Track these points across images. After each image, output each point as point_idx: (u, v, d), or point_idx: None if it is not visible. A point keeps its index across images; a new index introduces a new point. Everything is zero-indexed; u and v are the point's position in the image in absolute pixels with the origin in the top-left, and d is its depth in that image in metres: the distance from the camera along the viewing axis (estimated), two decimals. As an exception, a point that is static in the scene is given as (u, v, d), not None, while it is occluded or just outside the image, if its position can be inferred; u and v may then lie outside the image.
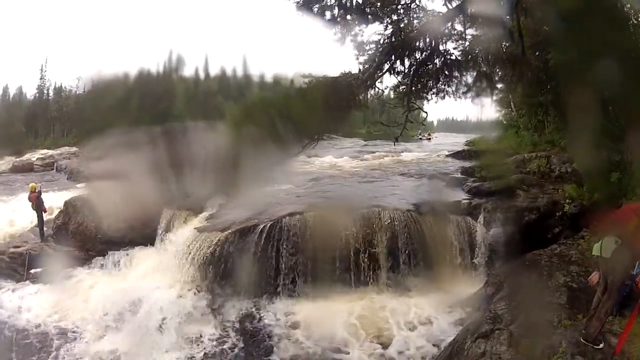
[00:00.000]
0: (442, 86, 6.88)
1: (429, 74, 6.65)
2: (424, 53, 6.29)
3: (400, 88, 7.15)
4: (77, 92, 31.19)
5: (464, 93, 6.96)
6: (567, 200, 9.85)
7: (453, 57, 6.56)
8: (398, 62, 6.24)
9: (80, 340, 8.22)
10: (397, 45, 6.07)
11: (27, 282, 10.15)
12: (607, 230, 4.91)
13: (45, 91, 35.46)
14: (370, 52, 6.40)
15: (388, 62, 6.18)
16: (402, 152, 22.23)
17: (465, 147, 20.20)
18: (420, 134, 35.93)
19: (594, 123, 7.57)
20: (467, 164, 14.96)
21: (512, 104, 16.54)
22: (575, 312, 5.76)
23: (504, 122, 18.16)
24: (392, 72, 6.39)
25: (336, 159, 20.18)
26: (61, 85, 35.94)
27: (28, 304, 9.23)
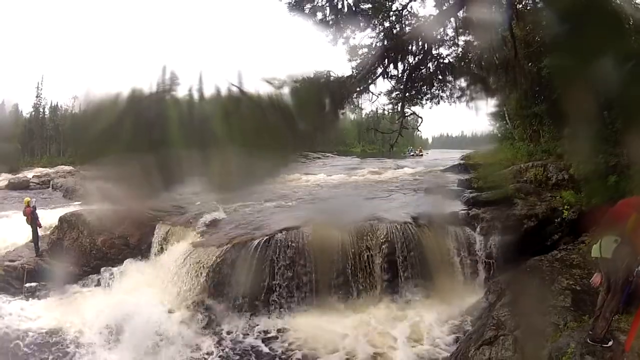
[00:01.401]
0: (437, 91, 6.90)
1: (422, 78, 6.66)
2: (417, 57, 6.30)
3: (394, 94, 7.16)
4: (73, 112, 31.33)
5: (459, 97, 6.97)
6: (566, 207, 9.81)
7: (446, 61, 6.59)
8: (391, 65, 6.24)
9: (74, 356, 7.99)
10: (390, 49, 6.09)
11: (22, 296, 10.00)
12: (605, 229, 4.84)
13: (42, 109, 35.74)
14: (362, 56, 6.43)
15: (381, 66, 6.19)
16: (397, 168, 22.29)
17: (461, 162, 20.21)
18: (410, 150, 35.96)
19: (590, 127, 7.60)
20: (463, 176, 14.93)
21: (506, 115, 16.67)
22: (580, 314, 5.67)
23: (499, 134, 18.28)
24: (385, 76, 6.40)
25: (331, 176, 20.13)
26: (57, 104, 36.25)
27: (22, 318, 9.05)
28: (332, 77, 5.27)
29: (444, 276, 9.40)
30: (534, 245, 9.20)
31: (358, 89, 5.97)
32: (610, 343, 4.77)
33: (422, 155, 35.20)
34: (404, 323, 8.61)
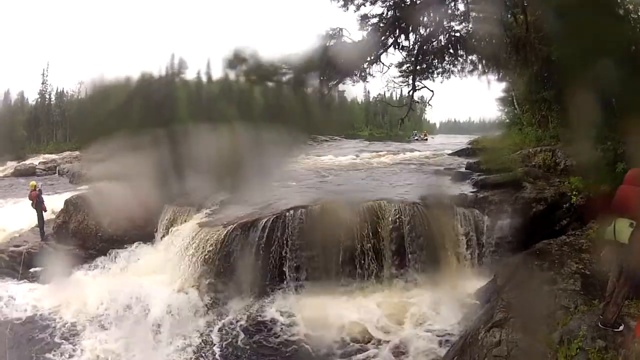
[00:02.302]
0: (448, 65, 6.77)
1: (433, 52, 6.53)
2: (429, 29, 6.16)
3: (405, 66, 7.02)
4: (79, 97, 31.16)
5: (470, 72, 6.84)
6: (574, 192, 9.69)
7: (458, 35, 6.43)
8: (402, 36, 6.11)
9: (79, 336, 8.05)
10: (401, 18, 5.93)
11: (26, 280, 10.08)
12: (617, 212, 4.70)
13: (47, 96, 35.61)
14: (373, 25, 6.28)
15: (392, 37, 6.06)
16: (405, 151, 22.13)
17: (469, 146, 19.99)
18: (414, 135, 35.42)
19: (597, 116, 7.49)
20: (471, 160, 14.80)
21: (514, 101, 16.47)
22: (590, 298, 5.59)
23: (507, 120, 18.10)
24: (396, 46, 6.27)
25: (339, 158, 20.01)
26: (63, 90, 36.08)
27: (26, 301, 9.11)
28: (344, 37, 5.16)
29: (452, 258, 9.36)
30: (543, 229, 9.11)
31: (369, 58, 5.86)
32: (621, 328, 4.71)
33: (426, 139, 34.50)
34: (411, 305, 8.60)
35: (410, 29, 6.01)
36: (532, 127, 14.91)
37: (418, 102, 7.78)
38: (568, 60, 7.55)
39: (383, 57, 6.38)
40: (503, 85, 17.16)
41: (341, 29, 5.17)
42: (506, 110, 18.18)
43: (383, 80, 7.20)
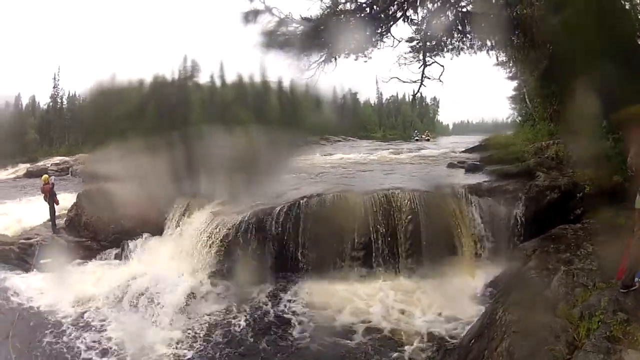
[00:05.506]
0: (457, 42, 6.78)
1: (442, 28, 6.54)
2: (436, 3, 6.19)
3: (415, 42, 7.04)
4: (93, 98, 31.47)
5: (479, 48, 6.85)
6: (587, 182, 9.57)
7: (465, 10, 6.45)
8: (411, 10, 6.14)
9: (88, 324, 8.05)
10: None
11: (37, 271, 10.13)
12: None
13: (59, 100, 35.95)
14: None
15: (401, 10, 6.09)
16: (418, 149, 22.11)
17: (482, 143, 19.87)
18: (416, 134, 33.95)
19: (603, 112, 7.41)
20: (485, 154, 14.77)
21: (526, 97, 16.43)
22: (608, 277, 5.49)
23: (519, 117, 18.06)
24: (405, 20, 6.30)
25: (352, 155, 20.07)
26: (74, 94, 36.41)
27: (36, 290, 9.15)
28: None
29: (468, 246, 9.21)
30: (558, 218, 8.94)
31: (379, 30, 5.90)
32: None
33: (429, 139, 32.46)
34: (426, 292, 8.53)
35: (419, 2, 6.05)
36: (544, 122, 14.81)
37: (429, 78, 7.77)
38: (568, 57, 7.52)
39: (394, 31, 6.40)
40: (514, 83, 17.26)
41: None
42: (518, 107, 18.14)
43: (394, 55, 7.20)
